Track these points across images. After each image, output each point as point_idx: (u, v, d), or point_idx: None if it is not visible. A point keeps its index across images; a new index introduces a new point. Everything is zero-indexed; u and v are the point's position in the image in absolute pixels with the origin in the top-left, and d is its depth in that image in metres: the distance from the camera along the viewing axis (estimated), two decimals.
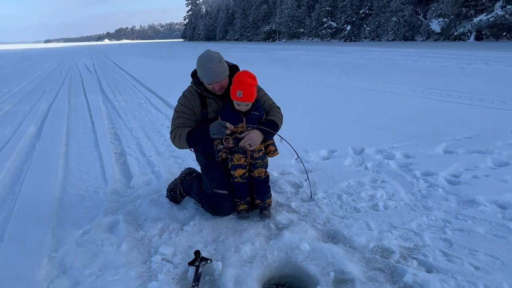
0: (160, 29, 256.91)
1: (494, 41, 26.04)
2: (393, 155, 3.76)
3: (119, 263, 2.14)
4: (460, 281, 1.88)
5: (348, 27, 40.42)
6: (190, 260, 2.09)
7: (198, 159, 2.81)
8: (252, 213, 2.67)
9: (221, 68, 2.35)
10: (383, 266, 2.04)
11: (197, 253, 2.10)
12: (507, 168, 3.30)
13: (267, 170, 2.63)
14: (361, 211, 2.67)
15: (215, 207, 2.59)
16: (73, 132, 5.44)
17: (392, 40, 35.01)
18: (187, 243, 2.34)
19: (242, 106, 2.39)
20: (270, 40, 55.97)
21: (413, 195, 2.88)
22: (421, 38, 32.50)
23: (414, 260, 2.07)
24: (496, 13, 25.31)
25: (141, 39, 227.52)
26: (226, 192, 2.58)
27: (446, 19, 29.50)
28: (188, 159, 3.96)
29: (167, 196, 2.95)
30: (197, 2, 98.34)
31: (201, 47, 40.47)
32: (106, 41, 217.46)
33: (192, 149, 2.86)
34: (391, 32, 35.11)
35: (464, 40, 28.52)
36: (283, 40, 51.93)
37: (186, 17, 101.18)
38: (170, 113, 6.21)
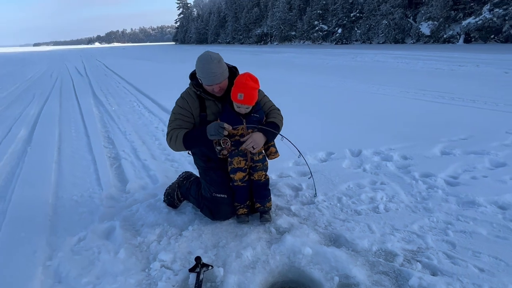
0: (151, 32, 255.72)
1: (483, 44, 26.44)
2: (391, 156, 3.75)
3: (117, 271, 2.08)
4: (466, 284, 1.86)
5: (339, 30, 40.68)
6: (190, 267, 2.04)
7: (196, 163, 2.76)
8: (252, 217, 2.62)
9: (221, 69, 2.31)
10: (388, 270, 2.01)
11: (198, 259, 2.05)
12: (505, 168, 3.31)
13: (267, 173, 2.59)
14: (362, 213, 2.65)
15: (215, 211, 2.54)
16: (65, 136, 5.33)
17: (383, 42, 35.32)
18: (186, 249, 2.29)
19: (242, 108, 2.35)
20: (262, 43, 56.05)
21: (413, 197, 2.87)
22: (411, 41, 32.84)
23: (418, 263, 2.05)
24: (484, 16, 25.71)
25: (132, 43, 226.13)
26: (226, 196, 2.53)
27: (435, 22, 29.87)
28: (185, 162, 3.90)
29: (164, 201, 2.89)
30: (189, 5, 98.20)
31: (193, 50, 40.38)
32: (97, 44, 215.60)
33: (189, 153, 2.81)
34: (381, 35, 35.43)
35: (453, 43, 28.89)
36: (275, 43, 52.06)
37: (177, 20, 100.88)
38: (164, 116, 6.15)
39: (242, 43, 60.73)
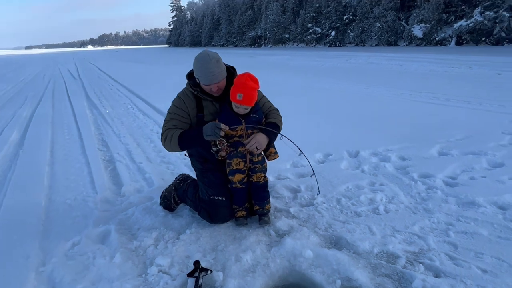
0: (144, 35, 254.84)
1: (474, 46, 26.73)
2: (389, 157, 3.73)
3: (113, 276, 2.02)
4: (470, 286, 1.83)
5: (333, 33, 40.89)
6: (189, 271, 1.98)
7: (193, 164, 2.71)
8: (250, 220, 2.58)
9: (219, 69, 2.27)
10: (390, 272, 1.98)
11: (196, 263, 2.00)
12: (502, 169, 3.30)
13: (266, 175, 2.55)
14: (362, 215, 2.62)
15: (213, 214, 2.48)
16: (58, 138, 5.24)
17: (376, 45, 35.56)
18: (184, 252, 2.23)
19: (241, 109, 2.31)
20: (255, 46, 56.12)
21: (413, 198, 2.84)
22: (404, 43, 33.12)
23: (421, 264, 2.02)
24: (475, 19, 26.02)
25: (126, 45, 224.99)
26: (224, 198, 2.48)
27: (427, 25, 30.17)
28: (181, 165, 3.84)
29: (160, 204, 2.83)
30: (182, 8, 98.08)
31: (186, 52, 40.29)
32: (90, 47, 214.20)
33: (186, 154, 2.76)
34: (374, 37, 35.67)
35: (445, 45, 29.17)
36: (269, 46, 52.15)
37: (171, 22, 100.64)
38: (159, 119, 6.08)
39: (236, 46, 60.76)
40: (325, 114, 6.00)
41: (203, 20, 77.11)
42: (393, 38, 34.30)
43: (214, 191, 2.49)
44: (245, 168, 2.44)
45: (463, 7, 28.59)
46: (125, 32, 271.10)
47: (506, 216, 2.49)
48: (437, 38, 29.83)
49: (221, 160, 2.46)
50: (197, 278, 1.92)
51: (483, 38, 26.93)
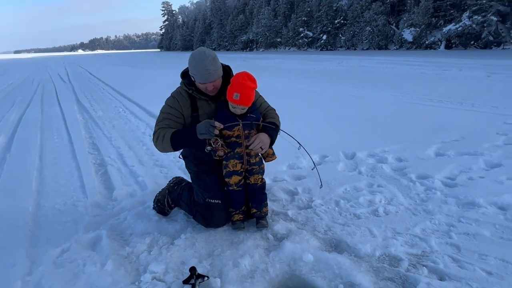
0: (136, 39, 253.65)
1: (463, 49, 27.13)
2: (386, 158, 3.69)
3: (105, 284, 1.92)
4: None
5: (324, 37, 41.19)
6: (184, 278, 1.89)
7: (187, 167, 2.62)
8: (247, 223, 2.49)
9: (215, 67, 2.19)
10: (393, 276, 1.91)
11: (192, 269, 1.91)
12: (500, 169, 3.28)
13: (263, 177, 2.48)
14: (362, 217, 2.56)
15: (208, 218, 2.40)
16: (47, 142, 5.10)
17: (367, 49, 35.90)
18: (179, 258, 2.14)
19: (238, 109, 2.24)
20: (247, 50, 56.21)
21: (412, 199, 2.80)
22: (395, 47, 33.48)
23: (424, 267, 1.96)
24: (464, 23, 26.44)
25: (116, 49, 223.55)
26: (220, 201, 2.40)
27: (417, 29, 30.56)
28: (174, 167, 3.75)
29: (154, 208, 2.74)
30: (174, 12, 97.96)
31: (178, 56, 40.16)
32: (80, 52, 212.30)
33: (180, 156, 2.68)
34: (365, 41, 36.02)
35: (435, 49, 29.56)
36: (261, 50, 52.28)
37: (162, 27, 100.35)
38: (152, 121, 5.97)
39: (228, 50, 60.82)
40: (320, 116, 5.95)
41: (195, 24, 77.12)
42: (383, 42, 34.69)
43: (210, 194, 2.40)
44: (242, 169, 2.36)
45: (451, 11, 29.06)
46: (116, 36, 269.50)
47: (507, 216, 2.45)
48: (427, 42, 30.23)
49: (217, 162, 2.39)
50: (193, 285, 1.83)
51: (472, 42, 27.36)
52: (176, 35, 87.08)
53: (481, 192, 2.79)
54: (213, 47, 66.20)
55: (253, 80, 2.22)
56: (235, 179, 2.35)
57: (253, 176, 2.39)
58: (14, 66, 33.07)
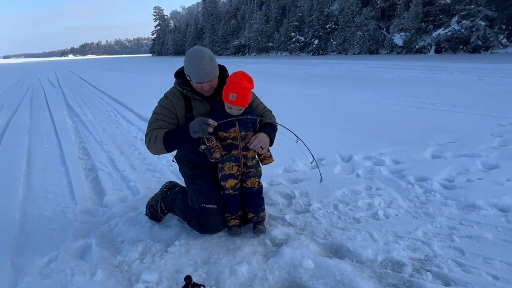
0: (127, 44, 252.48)
1: (452, 54, 27.54)
2: (383, 161, 3.64)
3: None
4: None
5: (316, 41, 41.48)
6: (179, 287, 1.80)
7: (181, 170, 2.53)
8: (244, 229, 2.40)
9: (212, 66, 2.12)
10: (397, 282, 1.84)
11: (188, 278, 1.81)
12: (498, 170, 3.25)
13: (260, 180, 2.40)
14: (362, 221, 2.49)
15: (204, 223, 2.30)
16: (36, 148, 4.96)
17: (358, 53, 36.24)
18: (173, 266, 2.04)
19: (234, 110, 2.16)
20: (240, 54, 56.35)
21: (412, 202, 2.74)
22: (385, 51, 33.86)
23: (428, 272, 1.89)
24: (453, 27, 26.86)
25: (108, 54, 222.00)
26: (216, 206, 2.31)
27: (407, 33, 30.97)
28: (167, 172, 3.65)
29: (146, 214, 2.63)
30: (165, 17, 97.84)
31: (170, 61, 40.01)
32: (71, 56, 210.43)
33: (174, 160, 2.59)
34: (356, 45, 36.36)
35: (425, 53, 29.95)
36: (253, 54, 52.44)
37: (154, 32, 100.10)
38: (143, 125, 5.86)
39: (220, 55, 60.87)
40: (314, 119, 5.90)
41: (187, 29, 77.12)
42: (374, 46, 35.06)
43: (205, 199, 2.31)
44: (238, 173, 2.28)
45: (441, 16, 29.50)
46: (107, 41, 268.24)
47: (509, 218, 2.41)
48: (417, 46, 30.63)
49: (212, 165, 2.30)
50: None
51: (461, 46, 27.80)
52: (168, 40, 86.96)
53: (480, 194, 2.75)
54: None
55: (250, 80, 2.14)
56: (231, 182, 2.26)
57: (249, 179, 2.30)
58: (3, 71, 32.58)
